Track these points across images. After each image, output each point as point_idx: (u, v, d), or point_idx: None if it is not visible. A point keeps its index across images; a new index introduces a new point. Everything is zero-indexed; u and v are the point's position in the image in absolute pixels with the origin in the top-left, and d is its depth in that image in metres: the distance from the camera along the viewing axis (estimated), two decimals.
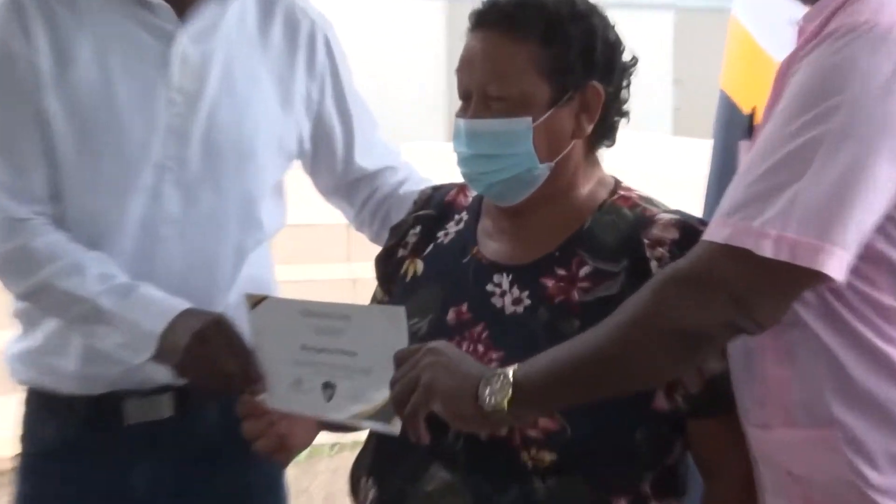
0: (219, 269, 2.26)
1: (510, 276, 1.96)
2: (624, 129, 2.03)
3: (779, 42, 2.46)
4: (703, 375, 1.83)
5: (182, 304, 2.12)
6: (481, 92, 1.94)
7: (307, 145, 2.40)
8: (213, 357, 2.05)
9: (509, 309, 1.94)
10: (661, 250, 1.86)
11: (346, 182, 2.50)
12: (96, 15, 2.19)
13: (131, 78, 2.18)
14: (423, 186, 2.36)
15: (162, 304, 2.12)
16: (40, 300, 2.21)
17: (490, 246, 2.02)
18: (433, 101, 10.33)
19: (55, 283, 2.15)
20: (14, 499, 2.38)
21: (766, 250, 1.55)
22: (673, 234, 1.88)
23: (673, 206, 2.00)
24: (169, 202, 2.20)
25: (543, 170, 1.93)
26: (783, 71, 1.75)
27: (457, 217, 2.11)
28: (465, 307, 1.97)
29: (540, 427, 1.80)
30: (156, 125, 2.18)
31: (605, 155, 2.06)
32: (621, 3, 9.80)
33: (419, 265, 2.09)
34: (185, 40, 2.18)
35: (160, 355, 2.09)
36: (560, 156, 1.94)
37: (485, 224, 2.06)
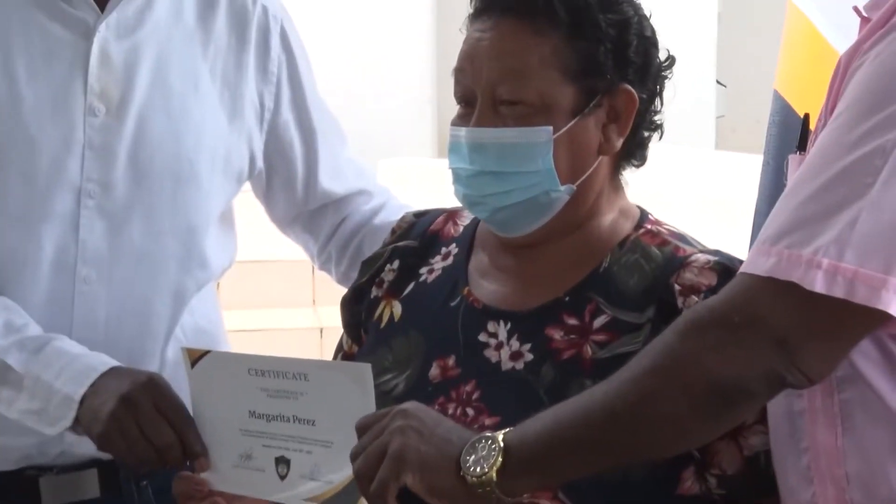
0: (153, 317, 2.24)
1: (508, 325, 1.89)
2: (656, 142, 2.01)
3: (848, 33, 2.47)
4: (743, 452, 1.81)
5: (106, 363, 2.09)
6: (490, 94, 1.83)
7: (260, 163, 2.38)
8: (142, 426, 1.99)
9: (507, 365, 1.87)
10: (694, 298, 1.81)
11: (308, 210, 2.48)
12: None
13: (41, 81, 2.17)
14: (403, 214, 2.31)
15: (82, 363, 2.09)
16: None
17: (485, 287, 1.96)
18: (418, 109, 10.38)
19: None
20: None
21: (818, 284, 1.52)
22: (710, 280, 1.83)
23: (713, 243, 1.97)
24: (90, 235, 2.18)
25: (564, 193, 1.87)
26: (843, 66, 1.74)
27: (444, 250, 2.05)
28: (452, 361, 1.90)
29: None
30: (73, 140, 2.17)
31: (632, 175, 2.02)
32: None
33: (397, 308, 2.03)
34: (107, 34, 2.17)
35: (80, 424, 2.05)
36: (584, 176, 1.89)
37: (479, 260, 2.01)
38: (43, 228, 2.17)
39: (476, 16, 1.90)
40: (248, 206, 2.43)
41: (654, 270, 1.87)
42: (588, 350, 1.83)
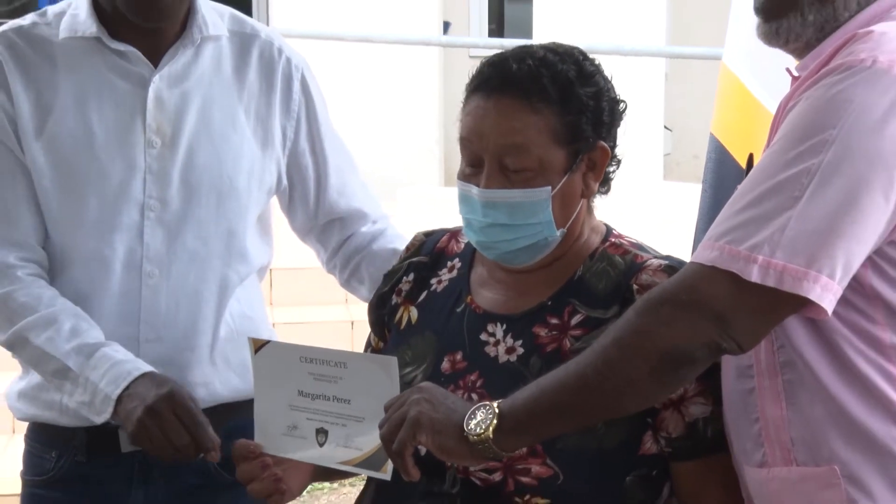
0: (203, 304, 2.26)
1: (504, 326, 1.94)
2: (617, 174, 2.03)
3: (770, 89, 2.47)
4: (685, 419, 1.84)
5: (140, 368, 2.13)
6: (497, 162, 1.86)
7: (284, 181, 2.39)
8: (164, 430, 2.05)
9: (503, 358, 1.92)
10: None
11: (319, 224, 2.48)
12: (74, 66, 2.21)
13: (109, 123, 2.20)
14: (396, 244, 2.40)
15: (121, 368, 2.13)
16: (18, 352, 2.23)
17: (484, 295, 2.00)
18: (428, 148, 10.32)
19: (29, 336, 2.17)
20: None
21: (754, 275, 1.57)
22: (662, 279, 1.85)
23: (664, 251, 2.00)
24: (153, 240, 2.20)
25: (558, 236, 1.91)
26: (782, 108, 1.76)
27: (449, 264, 2.08)
28: (459, 356, 1.95)
29: (533, 474, 1.80)
30: (136, 167, 2.19)
31: (598, 200, 2.04)
32: (611, 49, 9.84)
33: (413, 312, 2.06)
34: (160, 84, 2.19)
35: (116, 419, 2.12)
36: (572, 219, 1.93)
37: (479, 273, 2.04)
38: (115, 236, 2.20)
39: (477, 90, 1.90)
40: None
41: (618, 275, 1.92)
42: (567, 343, 1.88)
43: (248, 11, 13.38)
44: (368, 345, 2.17)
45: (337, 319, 6.96)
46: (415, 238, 2.18)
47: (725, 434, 1.84)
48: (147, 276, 2.21)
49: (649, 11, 9.91)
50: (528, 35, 10.06)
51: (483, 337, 1.95)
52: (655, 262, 1.91)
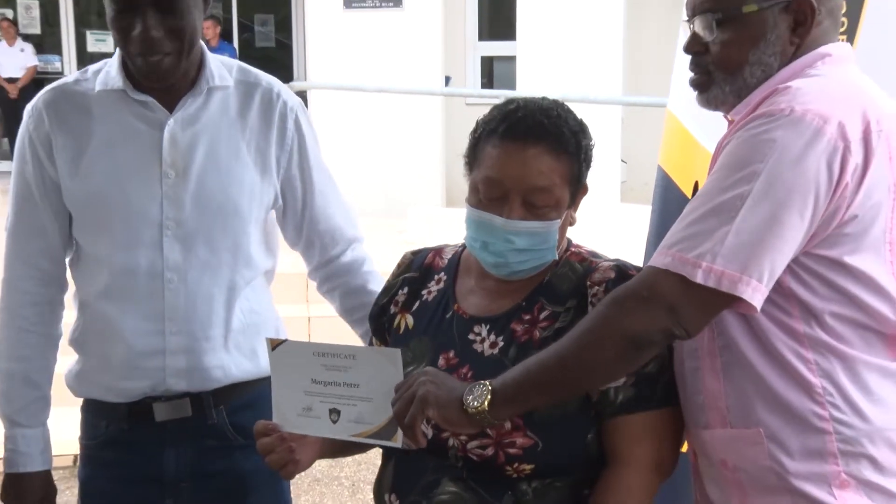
0: (215, 303, 2.24)
1: (487, 326, 1.93)
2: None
3: (705, 130, 2.48)
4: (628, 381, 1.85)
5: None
6: (523, 198, 1.85)
7: (279, 201, 2.35)
8: None
9: (487, 352, 1.90)
10: (597, 288, 1.87)
11: (304, 237, 2.43)
12: (105, 114, 2.21)
13: (132, 159, 2.19)
14: (369, 281, 2.42)
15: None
16: None
17: (470, 301, 1.98)
18: (432, 176, 10.30)
19: None
20: (79, 480, 2.41)
21: (698, 277, 1.60)
22: (610, 275, 1.88)
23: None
24: (171, 253, 2.19)
25: (555, 257, 1.92)
26: (720, 145, 1.78)
27: (436, 277, 2.06)
28: (452, 353, 1.93)
29: (518, 445, 1.80)
30: (154, 194, 2.18)
31: None
32: (580, 98, 9.82)
33: (409, 319, 2.04)
34: (174, 127, 2.18)
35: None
36: (562, 242, 1.95)
37: (463, 283, 2.02)
38: (139, 251, 2.19)
39: (507, 135, 1.85)
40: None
41: (577, 277, 1.92)
42: (536, 333, 1.88)
43: (291, 68, 13.41)
44: (371, 344, 2.17)
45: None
46: (404, 257, 2.15)
47: (643, 395, 1.85)
48: (168, 281, 2.20)
49: (609, 68, 9.92)
50: (513, 86, 10.08)
51: (471, 337, 1.93)
52: (605, 263, 1.92)
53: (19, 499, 2.27)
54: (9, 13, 13.38)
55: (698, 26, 1.80)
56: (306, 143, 2.32)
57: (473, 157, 1.93)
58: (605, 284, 1.86)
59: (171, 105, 2.19)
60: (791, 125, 1.62)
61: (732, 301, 1.63)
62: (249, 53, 13.65)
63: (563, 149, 1.86)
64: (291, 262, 2.68)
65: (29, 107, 2.26)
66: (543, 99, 1.94)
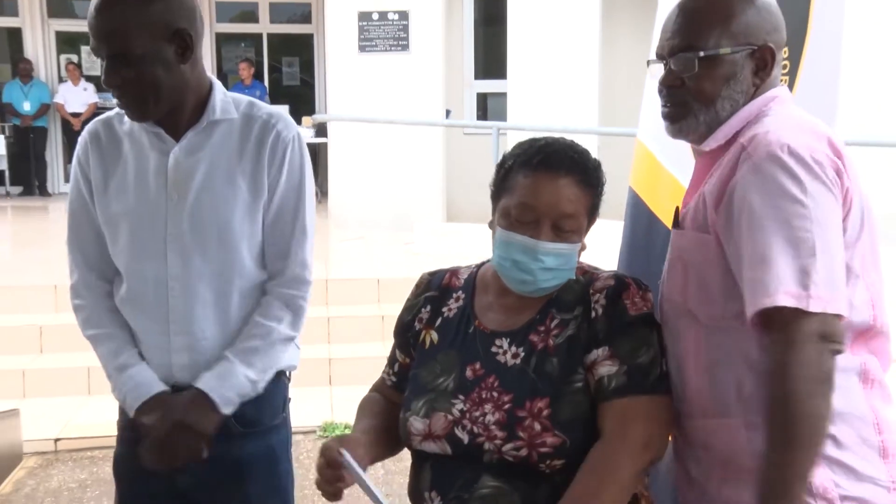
0: (211, 312, 2.19)
1: (508, 339, 1.88)
2: None
3: (669, 156, 2.49)
4: (596, 375, 1.82)
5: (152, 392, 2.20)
6: (554, 223, 1.82)
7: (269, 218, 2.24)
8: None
9: (510, 362, 1.85)
10: (598, 295, 1.84)
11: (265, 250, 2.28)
12: (131, 143, 2.20)
13: (141, 180, 2.18)
14: (259, 316, 2.23)
15: (141, 391, 2.19)
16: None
17: (489, 317, 1.93)
18: (434, 196, 10.31)
19: (94, 345, 2.27)
20: (114, 457, 2.36)
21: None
22: (610, 283, 1.86)
23: (599, 265, 1.99)
24: (172, 264, 2.16)
25: (572, 276, 1.89)
26: (725, 184, 1.69)
27: (455, 295, 1.99)
28: (478, 365, 1.87)
29: (549, 444, 1.76)
30: (159, 212, 2.16)
31: None
32: (561, 129, 9.79)
33: (434, 335, 1.97)
34: (179, 154, 2.16)
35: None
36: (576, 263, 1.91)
37: (483, 300, 1.96)
38: (147, 262, 2.17)
39: (540, 167, 1.83)
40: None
41: (581, 288, 1.88)
42: (551, 342, 1.84)
43: (314, 103, 13.42)
44: (395, 360, 2.07)
45: (370, 315, 6.80)
46: (421, 278, 2.08)
47: (634, 381, 1.80)
48: (171, 289, 2.16)
49: (587, 103, 9.95)
50: (504, 118, 10.09)
51: (493, 349, 1.88)
52: (605, 273, 1.90)
53: (167, 413, 2.15)
54: (74, 58, 13.50)
55: (676, 64, 1.78)
56: (294, 172, 2.22)
57: (503, 186, 1.89)
58: (606, 291, 1.85)
59: (178, 135, 2.17)
60: (795, 160, 1.61)
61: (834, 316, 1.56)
62: (278, 91, 13.65)
63: (587, 181, 1.85)
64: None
65: (80, 136, 2.27)
66: (563, 139, 1.93)
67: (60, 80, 13.33)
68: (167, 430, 2.11)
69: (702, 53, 1.73)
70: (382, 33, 10.19)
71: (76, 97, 12.86)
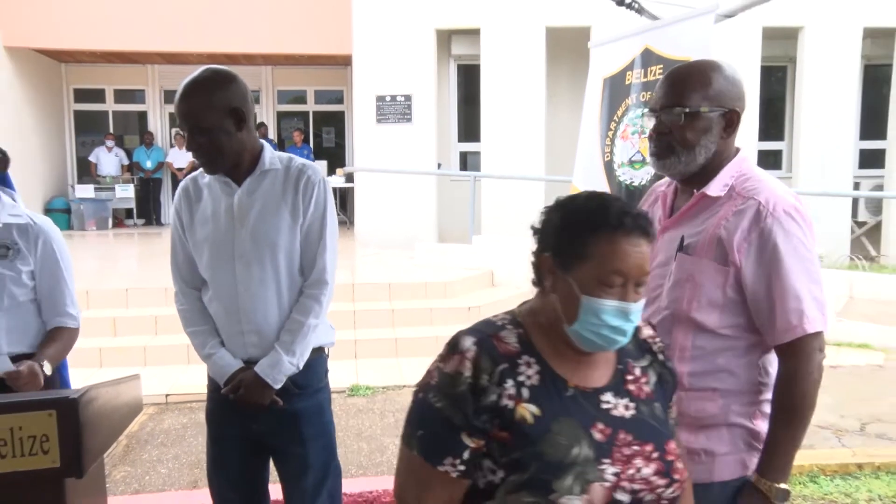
0: (269, 306, 2.15)
1: (611, 393, 1.34)
2: None
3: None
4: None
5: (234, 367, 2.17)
6: (638, 282, 1.28)
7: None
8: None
9: (627, 414, 1.33)
10: (657, 342, 1.46)
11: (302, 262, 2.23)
12: (209, 191, 2.19)
13: (219, 216, 2.16)
14: (296, 314, 2.16)
15: (225, 371, 2.16)
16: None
17: (580, 375, 1.34)
18: (431, 222, 10.29)
19: (190, 339, 2.22)
20: (206, 410, 2.30)
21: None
22: (651, 331, 1.47)
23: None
24: (239, 273, 2.13)
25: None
26: (745, 238, 1.61)
27: (522, 361, 1.31)
28: (601, 425, 1.30)
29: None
30: (228, 236, 2.13)
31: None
32: (519, 176, 9.79)
33: (530, 408, 1.27)
34: (241, 195, 2.14)
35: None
36: None
37: (558, 362, 1.33)
38: (221, 273, 2.15)
39: (633, 232, 1.26)
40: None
41: (633, 336, 1.42)
42: (644, 388, 1.38)
43: (344, 158, 13.42)
44: (461, 448, 1.27)
45: (383, 309, 6.68)
46: (475, 358, 1.28)
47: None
48: (239, 291, 2.13)
49: (535, 158, 9.96)
50: (479, 169, 10.12)
51: (604, 406, 1.32)
52: (641, 323, 1.45)
53: (247, 386, 2.13)
54: (180, 129, 13.59)
55: (666, 117, 1.68)
56: (319, 204, 2.18)
57: (583, 250, 1.28)
58: (656, 337, 1.47)
59: (240, 181, 2.15)
60: (800, 217, 1.59)
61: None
62: (320, 150, 13.65)
63: (651, 235, 1.32)
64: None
65: (177, 189, 2.27)
66: (612, 195, 1.38)
67: (171, 145, 13.38)
68: (243, 397, 2.13)
69: (687, 110, 1.65)
70: (393, 110, 10.16)
71: (181, 157, 12.95)
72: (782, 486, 1.56)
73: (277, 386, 2.13)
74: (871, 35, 10.69)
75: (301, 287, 2.18)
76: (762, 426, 1.65)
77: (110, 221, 12.49)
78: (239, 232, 2.14)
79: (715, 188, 1.67)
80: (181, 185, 2.26)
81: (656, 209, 1.82)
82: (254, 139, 2.15)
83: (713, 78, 1.67)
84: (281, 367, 2.12)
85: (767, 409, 1.64)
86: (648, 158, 1.78)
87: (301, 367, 2.15)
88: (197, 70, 2.09)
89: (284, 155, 2.24)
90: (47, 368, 2.26)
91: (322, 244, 2.17)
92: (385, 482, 3.75)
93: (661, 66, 3.19)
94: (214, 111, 2.03)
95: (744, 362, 1.64)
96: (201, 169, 2.21)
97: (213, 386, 2.26)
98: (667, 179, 1.82)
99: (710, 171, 1.68)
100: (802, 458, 3.95)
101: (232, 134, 2.07)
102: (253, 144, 2.15)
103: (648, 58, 3.28)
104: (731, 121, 1.68)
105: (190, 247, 2.22)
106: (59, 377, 2.40)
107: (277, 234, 2.13)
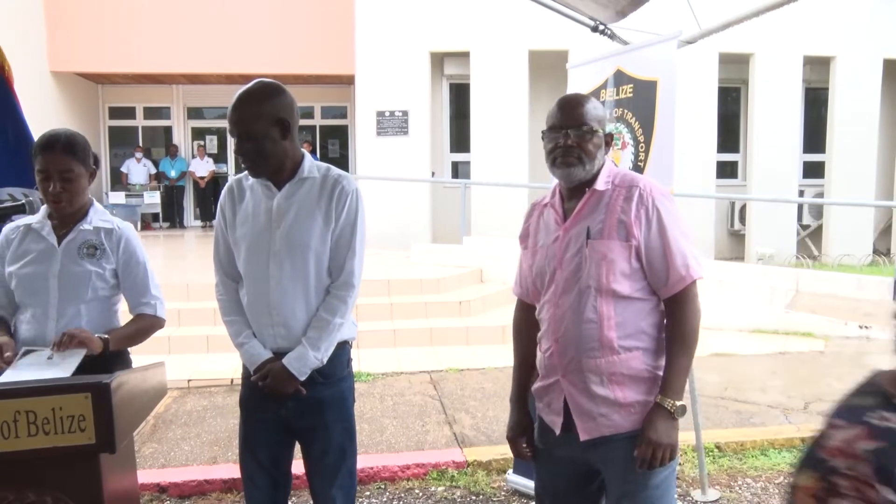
0: (298, 301, 2.11)
1: None
2: None
3: None
4: None
5: (263, 356, 2.12)
6: None
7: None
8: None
9: None
10: None
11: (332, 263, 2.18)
12: (252, 193, 2.15)
13: (258, 217, 2.12)
14: (321, 312, 2.10)
15: (255, 359, 2.12)
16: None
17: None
18: (425, 226, 10.28)
19: (226, 326, 2.18)
20: (240, 395, 2.27)
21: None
22: None
23: None
24: (272, 269, 2.08)
25: None
26: (637, 217, 1.76)
27: None
28: None
29: None
30: (266, 238, 2.10)
31: None
32: (506, 183, 9.78)
33: None
34: (280, 198, 2.10)
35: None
36: None
37: None
38: (256, 269, 2.11)
39: None
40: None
41: None
42: None
43: (348, 167, 13.37)
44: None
45: (383, 303, 6.64)
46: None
47: None
48: (271, 287, 2.09)
49: (520, 166, 9.94)
50: (469, 177, 10.12)
51: None
52: None
53: (274, 376, 2.10)
54: (201, 142, 13.64)
55: (574, 134, 1.79)
56: (351, 211, 2.15)
57: None
58: None
59: (280, 186, 2.12)
60: (667, 194, 1.79)
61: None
62: (324, 160, 13.17)
63: None
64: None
65: (223, 188, 2.23)
66: None
67: (193, 156, 13.35)
68: (270, 385, 2.11)
69: (588, 128, 1.79)
70: (391, 124, 10.15)
71: (202, 167, 12.99)
72: (679, 403, 1.70)
73: (302, 377, 2.09)
74: (810, 62, 10.80)
75: (328, 287, 2.13)
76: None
77: (139, 225, 12.45)
78: (275, 232, 2.10)
79: (601, 184, 1.81)
80: (227, 184, 2.22)
81: (546, 219, 1.90)
82: (296, 148, 2.12)
83: (596, 106, 1.84)
84: (306, 361, 2.09)
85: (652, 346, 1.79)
86: (552, 169, 1.84)
87: (325, 362, 2.12)
88: (249, 83, 2.06)
89: (323, 165, 2.21)
90: (109, 342, 2.21)
91: (351, 250, 2.13)
92: (384, 459, 3.72)
93: (632, 85, 3.21)
94: (262, 120, 2.01)
95: (651, 322, 1.76)
96: (246, 172, 2.18)
97: (246, 374, 2.23)
98: (542, 197, 1.95)
99: (592, 176, 1.83)
100: (754, 434, 4.01)
101: (277, 141, 2.04)
102: (295, 153, 2.12)
103: (620, 78, 3.30)
104: (607, 141, 1.85)
105: (230, 241, 2.18)
106: (127, 357, 2.38)
107: (310, 237, 2.10)
